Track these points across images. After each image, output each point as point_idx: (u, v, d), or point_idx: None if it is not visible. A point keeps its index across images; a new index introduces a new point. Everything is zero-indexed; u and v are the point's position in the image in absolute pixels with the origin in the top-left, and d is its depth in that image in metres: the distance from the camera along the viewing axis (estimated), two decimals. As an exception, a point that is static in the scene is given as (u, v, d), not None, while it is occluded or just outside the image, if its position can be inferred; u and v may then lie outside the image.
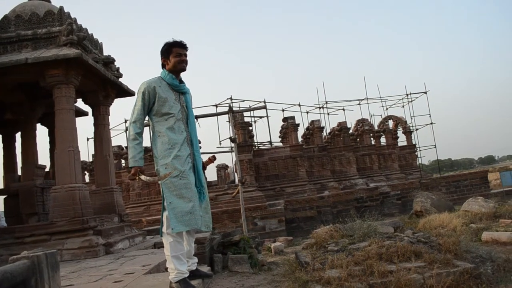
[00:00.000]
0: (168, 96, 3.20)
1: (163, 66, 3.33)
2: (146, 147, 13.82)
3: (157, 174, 3.15)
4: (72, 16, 6.65)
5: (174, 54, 3.25)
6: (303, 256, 5.22)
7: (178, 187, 3.03)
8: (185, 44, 3.30)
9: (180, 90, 3.31)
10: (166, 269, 3.22)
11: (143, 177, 3.10)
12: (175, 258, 3.01)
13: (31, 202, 7.32)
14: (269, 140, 21.76)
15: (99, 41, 7.41)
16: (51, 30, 6.42)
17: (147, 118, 3.29)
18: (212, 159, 3.58)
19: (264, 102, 19.79)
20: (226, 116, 13.32)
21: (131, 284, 3.42)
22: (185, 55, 3.29)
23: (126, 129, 20.63)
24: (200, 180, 3.21)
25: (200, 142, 18.66)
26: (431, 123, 24.57)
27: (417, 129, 24.88)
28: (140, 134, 3.15)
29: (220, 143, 19.95)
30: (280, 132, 23.06)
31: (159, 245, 5.78)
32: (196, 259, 3.37)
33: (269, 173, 18.99)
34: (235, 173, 17.65)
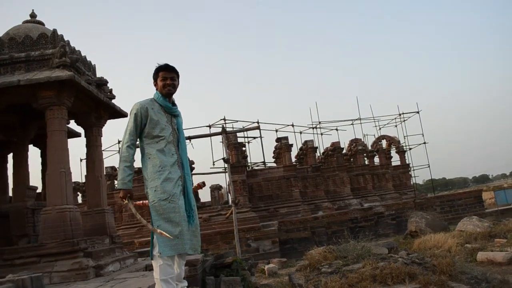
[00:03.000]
0: (160, 118, 3.22)
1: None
2: (139, 168, 13.75)
3: (147, 196, 3.14)
4: (66, 39, 6.70)
5: (160, 78, 3.28)
6: (297, 279, 5.18)
7: (167, 211, 3.01)
8: (171, 68, 3.32)
9: (172, 113, 3.32)
10: (155, 293, 3.17)
11: (131, 204, 3.10)
12: (164, 281, 2.97)
13: (21, 224, 7.21)
14: (262, 160, 21.78)
15: (92, 63, 7.45)
16: (44, 53, 6.45)
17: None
18: (201, 185, 3.56)
19: (258, 122, 19.82)
20: (220, 136, 13.33)
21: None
22: (172, 79, 3.29)
23: (119, 150, 20.55)
24: (189, 203, 3.19)
25: (193, 163, 18.58)
26: (424, 143, 24.80)
27: (410, 149, 25.05)
28: (132, 156, 3.15)
29: (213, 164, 19.96)
30: (274, 152, 23.08)
31: (151, 268, 5.68)
32: (186, 283, 3.32)
33: (262, 194, 18.92)
34: (229, 194, 17.56)
